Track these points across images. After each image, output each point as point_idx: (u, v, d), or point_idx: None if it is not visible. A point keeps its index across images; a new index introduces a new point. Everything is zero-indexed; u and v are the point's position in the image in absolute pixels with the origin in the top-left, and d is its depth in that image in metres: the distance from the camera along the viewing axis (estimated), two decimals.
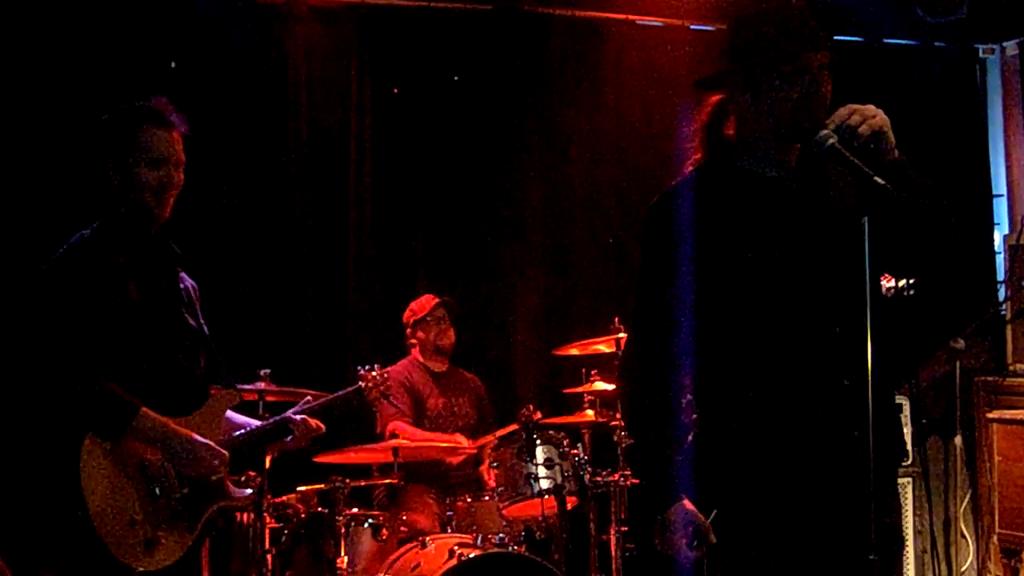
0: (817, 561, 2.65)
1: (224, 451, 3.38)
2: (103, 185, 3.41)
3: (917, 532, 5.67)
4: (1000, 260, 6.64)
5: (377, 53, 6.15)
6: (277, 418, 3.78)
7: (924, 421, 5.89)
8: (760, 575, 2.67)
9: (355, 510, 4.93)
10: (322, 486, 4.88)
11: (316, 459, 5.08)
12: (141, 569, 3.17)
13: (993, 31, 6.94)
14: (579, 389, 5.53)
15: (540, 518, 5.08)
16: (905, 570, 5.61)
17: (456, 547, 4.58)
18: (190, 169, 5.56)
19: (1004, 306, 6.11)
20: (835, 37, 2.74)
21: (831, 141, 2.57)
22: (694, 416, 2.77)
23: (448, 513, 5.13)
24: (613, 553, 5.20)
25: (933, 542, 5.88)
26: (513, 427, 5.36)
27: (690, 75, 5.96)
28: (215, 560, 4.78)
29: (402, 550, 4.79)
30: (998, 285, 6.51)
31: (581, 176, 6.45)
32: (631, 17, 6.48)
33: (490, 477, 5.19)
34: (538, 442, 5.04)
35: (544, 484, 4.97)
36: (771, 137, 2.76)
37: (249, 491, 3.63)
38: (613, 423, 5.32)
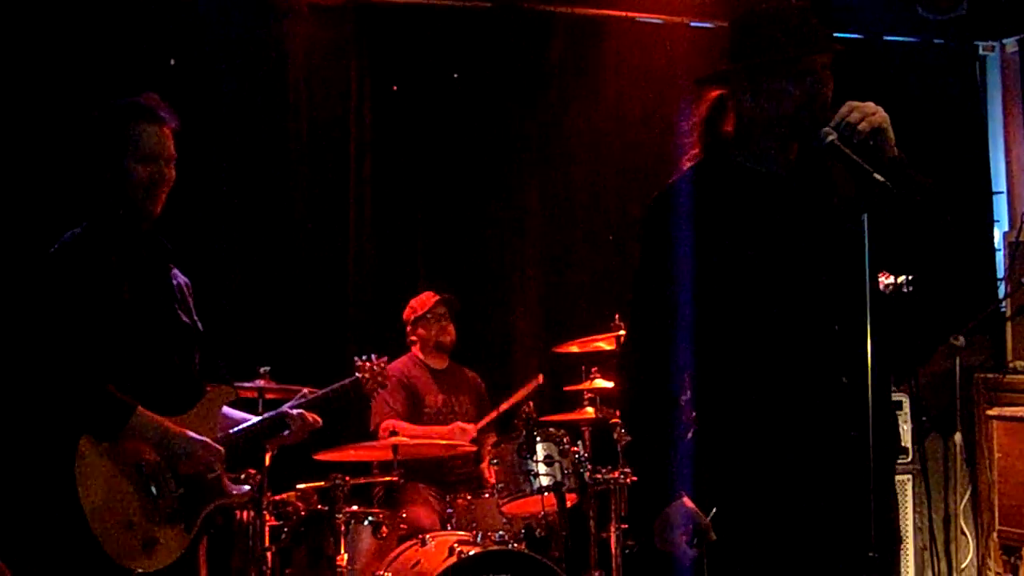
0: (816, 559, 2.65)
1: (220, 447, 3.36)
2: (94, 182, 3.38)
3: (917, 529, 5.67)
4: (1000, 257, 6.64)
5: (377, 51, 6.14)
6: (273, 413, 3.73)
7: (924, 418, 5.89)
8: (759, 573, 2.67)
9: (355, 508, 4.93)
10: (322, 484, 4.87)
11: (316, 457, 5.08)
12: (140, 571, 3.15)
13: (993, 28, 6.94)
14: (579, 386, 5.53)
15: (540, 515, 5.07)
16: (905, 567, 5.61)
17: (456, 544, 4.59)
18: (190, 167, 5.54)
19: (1004, 303, 6.11)
20: (835, 34, 2.74)
21: (831, 138, 2.57)
22: (693, 414, 2.77)
23: (448, 510, 5.13)
24: (613, 550, 5.20)
25: (933, 539, 5.88)
26: (520, 395, 5.38)
27: (690, 72, 5.96)
28: (215, 558, 4.79)
29: (402, 548, 4.79)
30: (998, 282, 6.52)
31: (581, 173, 6.45)
32: (631, 14, 6.47)
33: (490, 474, 5.19)
34: (538, 439, 5.03)
35: (544, 481, 4.97)
36: (772, 135, 2.76)
37: (247, 488, 3.60)
38: (613, 420, 5.31)
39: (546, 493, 4.97)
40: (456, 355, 5.96)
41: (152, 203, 3.36)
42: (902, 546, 5.54)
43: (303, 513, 4.84)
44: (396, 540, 4.88)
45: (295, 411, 3.73)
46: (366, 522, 4.88)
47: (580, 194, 6.46)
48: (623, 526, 5.21)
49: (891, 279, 4.77)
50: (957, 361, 5.84)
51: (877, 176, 2.48)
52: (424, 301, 5.83)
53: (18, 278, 3.45)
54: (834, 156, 2.58)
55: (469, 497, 5.17)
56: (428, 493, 5.47)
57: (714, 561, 2.70)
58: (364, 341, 5.92)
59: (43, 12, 5.41)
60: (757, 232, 2.72)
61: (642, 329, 2.85)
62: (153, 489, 3.24)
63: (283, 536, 4.78)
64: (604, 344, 5.50)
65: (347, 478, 4.81)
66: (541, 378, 5.60)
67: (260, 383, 4.71)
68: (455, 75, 6.24)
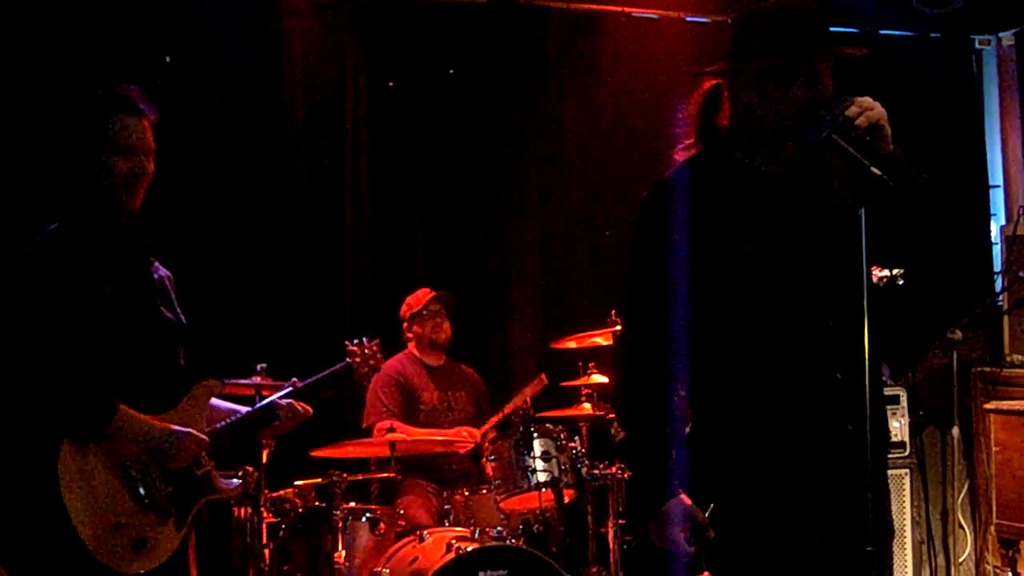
0: (812, 554, 2.65)
1: (205, 437, 3.30)
2: (71, 175, 3.31)
3: (915, 523, 5.67)
4: (996, 251, 6.64)
5: (373, 46, 6.13)
6: (263, 403, 3.68)
7: (921, 412, 5.90)
8: (755, 568, 2.67)
9: (352, 504, 4.94)
10: (319, 480, 4.88)
11: (313, 453, 5.08)
12: (131, 573, 3.10)
13: (989, 22, 6.93)
14: (576, 382, 5.53)
15: (538, 511, 5.07)
16: (903, 561, 5.61)
17: (454, 540, 4.59)
18: (187, 163, 5.60)
19: (1001, 297, 6.11)
20: (832, 28, 2.74)
21: (828, 132, 2.57)
22: (689, 409, 2.77)
23: (446, 507, 5.14)
24: (611, 546, 5.20)
25: (930, 533, 5.88)
26: (524, 395, 5.39)
27: (686, 67, 5.97)
28: (213, 555, 4.78)
29: (400, 544, 4.79)
30: (994, 276, 6.52)
31: (578, 168, 6.45)
32: (627, 9, 6.46)
33: (488, 468, 5.19)
34: (535, 435, 5.04)
35: (541, 477, 4.98)
36: (770, 132, 2.75)
37: (237, 482, 3.52)
38: (611, 416, 5.32)
39: (543, 489, 4.97)
40: (453, 351, 5.96)
41: (131, 197, 3.29)
42: (900, 541, 5.55)
43: (301, 510, 4.84)
44: (394, 536, 4.89)
45: (284, 401, 3.67)
46: (364, 518, 4.88)
47: (577, 189, 6.46)
48: (621, 522, 5.21)
49: (884, 272, 4.76)
50: (954, 355, 5.84)
51: (874, 170, 2.48)
52: (419, 298, 5.82)
53: None
54: (831, 150, 2.58)
55: (467, 493, 5.18)
56: (425, 489, 5.47)
57: (711, 556, 2.70)
58: (361, 337, 5.91)
59: (38, 10, 5.40)
60: (753, 227, 2.71)
61: (637, 324, 2.85)
62: (141, 489, 3.18)
63: (281, 533, 4.77)
64: (601, 340, 5.50)
65: (344, 475, 4.81)
66: (544, 377, 5.58)
67: (257, 379, 4.70)
68: (451, 71, 6.23)
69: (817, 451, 2.65)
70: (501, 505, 5.06)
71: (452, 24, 6.23)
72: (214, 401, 3.52)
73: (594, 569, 5.22)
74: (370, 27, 6.13)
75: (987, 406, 5.78)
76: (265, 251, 5.88)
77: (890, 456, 5.28)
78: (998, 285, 6.29)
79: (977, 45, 7.04)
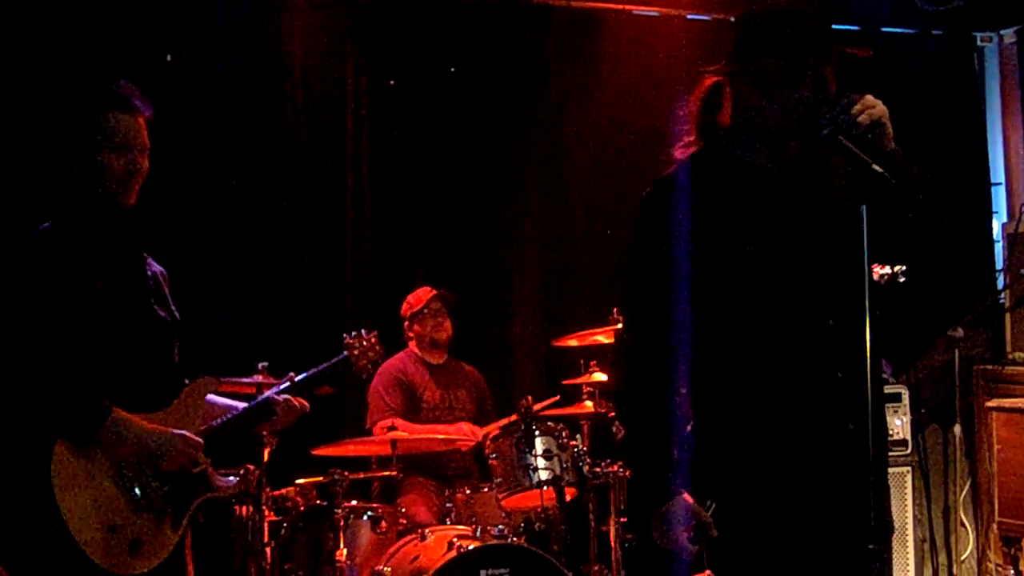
0: (814, 552, 2.65)
1: (200, 439, 3.26)
2: (65, 173, 3.27)
3: (917, 521, 5.67)
4: (998, 248, 6.63)
5: (374, 45, 6.13)
6: (259, 399, 3.62)
7: (923, 410, 5.89)
8: (757, 566, 2.67)
9: (354, 503, 4.94)
10: (321, 479, 4.88)
11: (315, 452, 5.08)
12: (128, 574, 3.07)
13: (991, 19, 6.93)
14: (578, 380, 5.52)
15: (539, 509, 5.07)
16: (905, 560, 5.60)
17: (455, 539, 4.59)
18: (189, 163, 5.60)
19: (1003, 294, 6.10)
20: (834, 26, 2.74)
21: (829, 129, 2.56)
22: (689, 408, 2.76)
23: (447, 505, 5.13)
24: (612, 544, 5.19)
25: (932, 531, 5.88)
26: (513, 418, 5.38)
27: (687, 65, 5.97)
28: (213, 553, 4.78)
29: (401, 542, 4.79)
30: (996, 273, 6.51)
31: (579, 166, 6.45)
32: (628, 7, 6.46)
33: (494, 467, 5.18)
34: (537, 433, 5.04)
35: (543, 475, 4.97)
36: (772, 131, 2.74)
37: (234, 479, 3.49)
38: (612, 414, 5.31)
39: (545, 487, 4.96)
40: (455, 350, 5.95)
41: (126, 195, 3.25)
42: (901, 539, 5.55)
43: (302, 508, 4.84)
44: (395, 535, 4.88)
45: (281, 397, 3.62)
46: (365, 517, 4.88)
47: (578, 187, 6.45)
48: (622, 520, 5.21)
49: (885, 269, 4.76)
50: (956, 353, 5.83)
51: (876, 167, 2.48)
52: (420, 297, 5.82)
53: None
54: (833, 147, 2.58)
55: (468, 491, 5.17)
56: (427, 487, 5.46)
57: (713, 554, 2.70)
58: (359, 330, 5.91)
59: (38, 8, 5.39)
60: (754, 226, 2.71)
61: (638, 322, 2.84)
62: (136, 490, 3.15)
63: (282, 531, 4.77)
64: (603, 338, 5.49)
65: (346, 473, 4.81)
66: (558, 398, 5.57)
67: (259, 378, 4.70)
68: (452, 69, 6.22)
69: (818, 449, 2.65)
70: (503, 503, 5.06)
71: (453, 22, 6.22)
72: (211, 397, 3.49)
73: (596, 567, 5.22)
74: (371, 25, 6.12)
75: (989, 404, 5.78)
76: (266, 250, 5.88)
77: (892, 454, 5.30)
78: (1000, 283, 6.28)
79: (979, 42, 7.04)
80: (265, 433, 4.54)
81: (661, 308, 2.72)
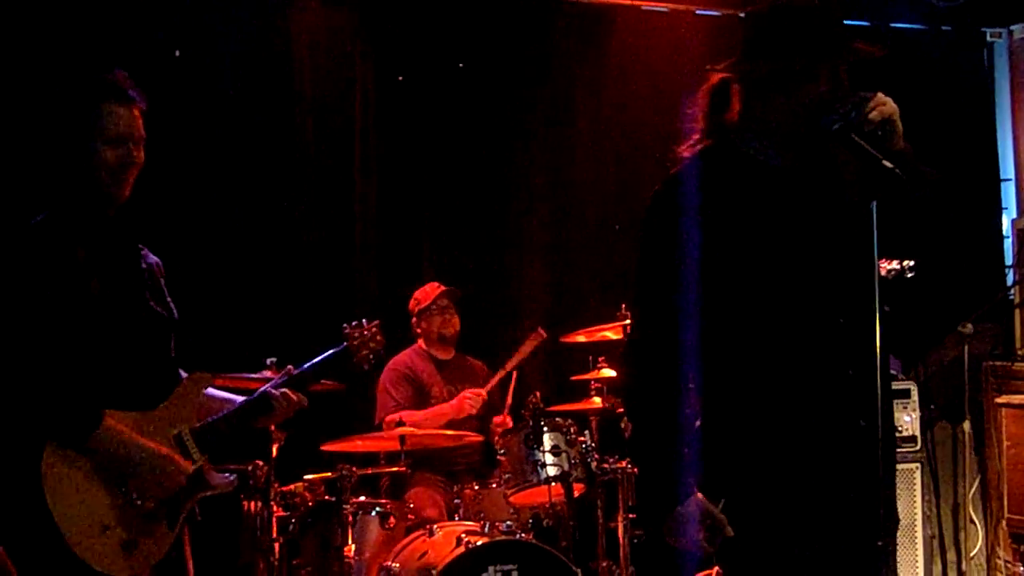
0: (823, 548, 2.65)
1: (186, 471, 3.15)
2: (57, 165, 3.19)
3: (926, 518, 5.65)
4: (1008, 244, 6.62)
5: (382, 41, 6.13)
6: (256, 393, 3.50)
7: (932, 406, 5.88)
8: (766, 562, 2.66)
9: (362, 498, 4.95)
10: (329, 474, 4.87)
11: (323, 447, 5.08)
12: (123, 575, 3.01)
13: (1000, 15, 6.92)
14: (586, 376, 5.53)
15: (547, 505, 5.08)
16: (914, 556, 5.59)
17: (463, 535, 4.59)
18: (197, 159, 5.60)
19: (1012, 290, 6.09)
20: (844, 22, 2.74)
21: (840, 124, 2.56)
22: (698, 405, 2.75)
23: (455, 501, 5.13)
24: (621, 540, 5.19)
25: (941, 528, 5.86)
26: (524, 352, 5.45)
27: (696, 61, 5.94)
28: (221, 549, 4.79)
29: (409, 538, 4.79)
30: (1006, 269, 6.50)
31: (587, 162, 6.45)
32: (636, 3, 6.45)
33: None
34: (545, 429, 5.04)
35: (551, 471, 4.97)
36: (783, 128, 2.73)
37: (232, 476, 3.38)
38: (620, 410, 5.31)
39: (553, 483, 4.97)
40: (463, 345, 5.95)
41: (120, 188, 3.16)
42: (911, 536, 5.54)
43: (311, 504, 4.84)
44: (403, 530, 4.89)
45: (279, 391, 3.50)
46: (373, 512, 4.89)
47: (586, 183, 6.45)
48: (631, 516, 5.20)
49: (892, 264, 4.75)
50: (965, 349, 5.81)
51: (886, 163, 2.48)
52: (427, 293, 5.82)
53: None
54: (843, 143, 2.57)
55: (476, 487, 5.17)
56: (435, 483, 5.47)
57: (722, 550, 2.69)
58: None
59: (48, 3, 5.39)
60: (765, 223, 2.70)
61: (647, 319, 2.83)
62: (128, 490, 3.07)
63: (291, 527, 4.77)
64: (611, 334, 5.49)
65: (354, 469, 4.81)
66: (543, 332, 5.61)
67: (267, 374, 4.70)
68: (460, 65, 6.22)
69: (828, 446, 2.65)
70: (511, 499, 5.06)
71: (461, 18, 6.22)
72: (210, 391, 3.42)
73: (604, 563, 5.22)
74: (379, 21, 6.12)
75: (999, 400, 5.77)
76: (274, 245, 5.88)
77: (901, 451, 5.29)
78: (1009, 279, 6.27)
79: (988, 38, 7.02)
80: (272, 428, 4.54)
81: (671, 305, 2.72)
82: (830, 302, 2.68)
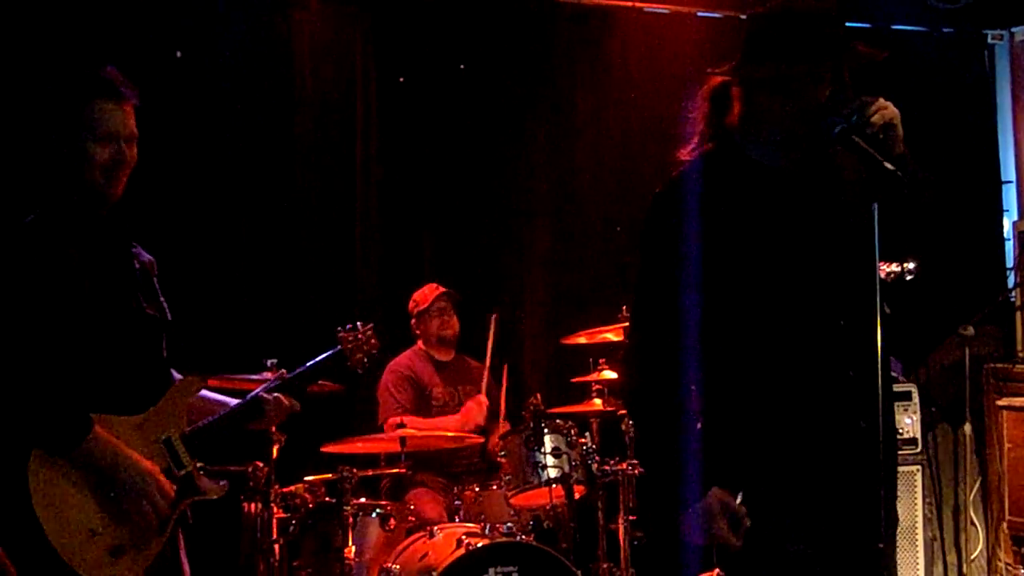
0: (823, 549, 2.65)
1: (171, 491, 3.09)
2: (48, 164, 3.12)
3: (926, 520, 5.65)
4: (1009, 247, 6.61)
5: (383, 42, 6.13)
6: (248, 397, 3.46)
7: (933, 409, 5.88)
8: (767, 564, 2.66)
9: (363, 500, 4.94)
10: (330, 476, 4.87)
11: (324, 449, 5.08)
12: None
13: (1002, 17, 6.91)
14: (587, 378, 5.52)
15: (548, 507, 5.07)
16: (914, 559, 5.59)
17: (464, 536, 4.58)
18: (198, 160, 5.60)
19: (1013, 292, 6.09)
20: (845, 24, 2.75)
21: (843, 126, 2.56)
22: (698, 407, 2.75)
23: (456, 502, 5.13)
24: (621, 542, 5.19)
25: (942, 530, 5.87)
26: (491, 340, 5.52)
27: (697, 62, 5.95)
28: (221, 551, 4.80)
29: (410, 540, 4.79)
30: (1007, 271, 6.50)
31: (588, 164, 6.44)
32: (638, 4, 6.45)
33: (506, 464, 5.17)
34: (546, 431, 5.03)
35: (552, 473, 4.97)
36: (785, 131, 2.73)
37: (223, 482, 3.31)
38: (621, 412, 5.31)
39: (554, 485, 4.96)
40: (464, 347, 5.95)
41: (112, 186, 3.10)
42: (911, 538, 5.53)
43: (311, 505, 4.83)
44: (404, 532, 4.89)
45: (271, 395, 3.47)
46: (374, 514, 4.88)
47: (587, 185, 6.45)
48: (631, 518, 5.20)
49: (892, 267, 4.75)
50: (966, 351, 5.82)
51: (887, 165, 2.48)
52: (426, 295, 5.82)
53: None
54: (845, 145, 2.57)
55: (477, 489, 5.17)
56: (436, 485, 5.46)
57: (722, 552, 2.69)
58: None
59: (48, 5, 5.39)
60: (766, 226, 2.70)
61: (648, 321, 2.83)
62: (116, 496, 3.02)
63: (291, 528, 4.77)
64: (612, 335, 5.49)
65: (355, 470, 4.81)
66: (496, 314, 5.68)
67: (267, 375, 4.70)
68: (461, 66, 6.22)
69: (829, 448, 2.65)
70: (511, 501, 5.06)
71: (462, 19, 6.22)
72: (204, 393, 3.39)
73: (605, 565, 5.21)
74: (380, 22, 6.12)
75: (1000, 402, 5.77)
76: (275, 246, 5.88)
77: (902, 453, 5.28)
78: (1011, 281, 6.27)
79: (989, 40, 7.01)
80: (273, 430, 4.54)
81: (672, 307, 2.72)
82: (831, 304, 2.68)
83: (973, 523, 5.99)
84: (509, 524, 4.77)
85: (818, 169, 2.77)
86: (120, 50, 5.42)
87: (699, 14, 6.49)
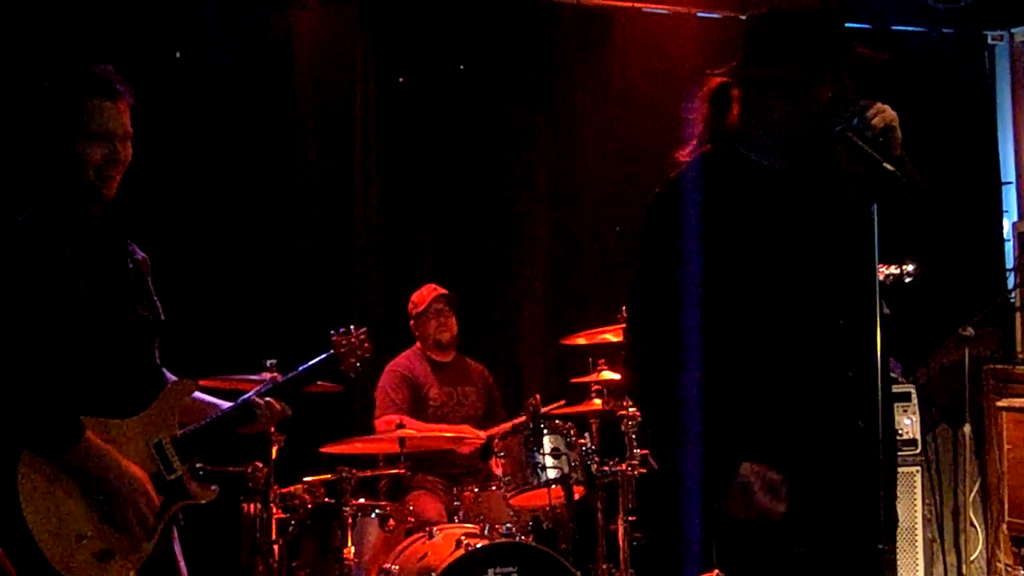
0: (823, 550, 2.65)
1: (156, 503, 3.05)
2: (40, 163, 3.07)
3: (926, 521, 5.65)
4: (1009, 247, 6.61)
5: (383, 42, 6.13)
6: (239, 401, 3.41)
7: (933, 409, 5.88)
8: (766, 565, 2.66)
9: (362, 500, 4.94)
10: (329, 476, 4.87)
11: (323, 450, 5.08)
12: None
13: (1001, 17, 6.91)
14: (586, 378, 5.51)
15: (547, 508, 5.07)
16: (914, 560, 5.59)
17: (463, 537, 4.58)
18: (197, 161, 5.60)
19: (1013, 293, 6.09)
20: (845, 25, 2.75)
21: (843, 128, 2.56)
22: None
23: (455, 503, 5.13)
24: (621, 543, 5.18)
25: (942, 531, 5.86)
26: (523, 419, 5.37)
27: (697, 63, 5.95)
28: (220, 551, 4.79)
29: (409, 540, 4.79)
30: (1007, 272, 6.49)
31: (588, 164, 6.44)
32: (638, 5, 6.45)
33: (498, 467, 5.17)
34: (545, 431, 5.03)
35: (551, 474, 4.96)
36: (785, 132, 2.73)
37: (214, 487, 3.26)
38: (620, 412, 5.30)
39: (553, 485, 4.96)
40: (463, 347, 5.95)
41: (106, 186, 3.05)
42: (911, 539, 5.54)
43: (310, 506, 4.83)
44: (403, 533, 4.89)
45: (263, 400, 3.42)
46: (373, 515, 4.88)
47: (587, 185, 6.45)
48: (631, 518, 5.20)
49: (891, 269, 4.75)
50: (966, 352, 5.82)
51: (887, 166, 2.48)
52: (424, 296, 5.81)
53: None
54: (845, 146, 2.57)
55: (476, 490, 5.17)
56: (435, 486, 5.46)
57: (721, 552, 2.69)
58: (371, 333, 5.91)
59: (47, 6, 5.39)
60: (766, 227, 2.70)
61: (648, 322, 2.82)
62: (104, 501, 2.98)
63: (290, 529, 4.77)
64: (611, 336, 5.48)
65: (354, 471, 4.81)
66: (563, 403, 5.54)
67: (267, 375, 4.69)
68: (461, 67, 6.22)
69: (828, 448, 2.65)
70: (511, 502, 5.05)
71: (462, 20, 6.21)
72: (198, 395, 3.35)
73: (604, 566, 5.21)
74: (379, 22, 6.12)
75: (999, 403, 5.77)
76: (274, 247, 5.88)
77: (901, 454, 5.28)
78: (1010, 282, 6.27)
79: (989, 41, 7.01)
80: (272, 430, 4.53)
81: (671, 307, 2.71)
82: (831, 305, 2.68)
83: (973, 524, 5.99)
84: (508, 525, 4.77)
85: (818, 170, 2.77)
86: (119, 50, 5.41)
87: (699, 15, 6.49)
